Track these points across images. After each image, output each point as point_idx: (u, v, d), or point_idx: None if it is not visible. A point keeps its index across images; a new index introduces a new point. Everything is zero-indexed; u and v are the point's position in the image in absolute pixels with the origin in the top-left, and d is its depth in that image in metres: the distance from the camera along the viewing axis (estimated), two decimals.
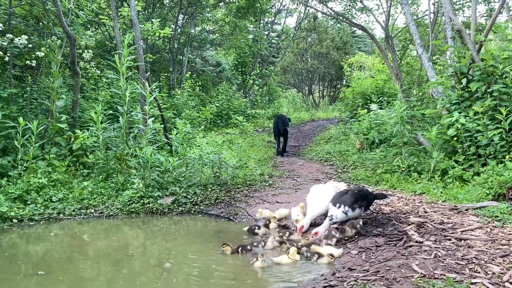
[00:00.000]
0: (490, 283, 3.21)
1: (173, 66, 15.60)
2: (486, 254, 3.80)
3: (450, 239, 4.27)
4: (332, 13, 14.34)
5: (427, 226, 4.75)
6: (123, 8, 10.96)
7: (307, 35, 25.44)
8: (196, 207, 6.60)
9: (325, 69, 25.01)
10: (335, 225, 4.87)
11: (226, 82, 18.15)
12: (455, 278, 3.28)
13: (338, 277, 3.61)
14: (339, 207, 4.81)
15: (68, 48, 8.58)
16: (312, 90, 27.06)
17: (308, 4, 16.79)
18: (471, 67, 6.82)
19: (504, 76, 6.56)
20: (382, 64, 15.79)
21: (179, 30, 15.99)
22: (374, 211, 5.62)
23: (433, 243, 4.18)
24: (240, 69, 20.23)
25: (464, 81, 6.93)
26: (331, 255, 4.21)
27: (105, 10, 13.11)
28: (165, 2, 16.36)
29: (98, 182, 7.10)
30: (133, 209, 6.47)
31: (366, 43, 29.00)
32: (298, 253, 4.40)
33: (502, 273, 3.37)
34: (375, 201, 5.71)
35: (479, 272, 3.42)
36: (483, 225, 4.61)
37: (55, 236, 5.61)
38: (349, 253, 4.30)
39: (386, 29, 12.13)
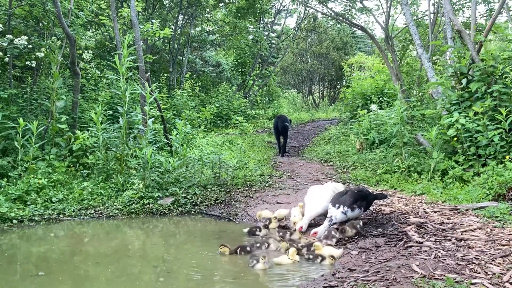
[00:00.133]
0: (490, 283, 3.21)
1: (173, 66, 15.60)
2: (486, 254, 3.80)
3: (450, 240, 4.27)
4: (332, 13, 14.34)
5: (427, 227, 4.75)
6: (123, 8, 10.96)
7: (307, 36, 25.44)
8: (196, 207, 6.60)
9: (325, 70, 25.00)
10: (335, 226, 4.87)
11: (226, 83, 18.15)
12: (455, 279, 3.28)
13: (338, 278, 3.61)
14: (339, 207, 4.81)
15: (68, 49, 8.58)
16: (312, 90, 27.06)
17: (308, 4, 16.79)
18: (471, 67, 6.82)
19: (504, 77, 6.56)
20: (382, 64, 15.80)
21: (179, 30, 16.00)
22: (374, 211, 5.62)
23: (433, 244, 4.18)
24: (240, 70, 20.23)
25: (464, 81, 6.93)
26: (332, 256, 4.21)
27: (105, 11, 13.11)
28: (165, 3, 16.36)
29: (98, 182, 7.09)
30: (133, 210, 6.47)
31: (366, 43, 28.99)
32: (297, 253, 4.40)
33: (502, 274, 3.37)
34: (375, 201, 5.71)
35: (479, 273, 3.42)
36: (483, 225, 4.61)
37: (55, 237, 5.60)
38: (349, 253, 4.30)
39: (386, 30, 12.14)
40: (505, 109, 5.98)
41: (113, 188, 6.94)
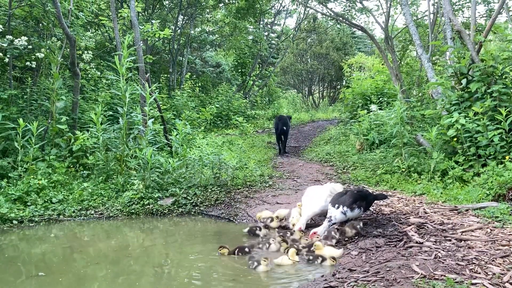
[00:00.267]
0: (490, 283, 3.21)
1: (173, 67, 15.61)
2: (486, 254, 3.80)
3: (450, 240, 4.27)
4: (332, 14, 14.34)
5: (427, 227, 4.75)
6: (123, 9, 10.96)
7: (306, 36, 25.44)
8: (196, 208, 6.60)
9: (325, 70, 25.00)
10: (335, 226, 4.87)
11: (226, 83, 18.15)
12: (455, 279, 3.28)
13: (338, 278, 3.61)
14: (338, 207, 4.81)
15: (68, 49, 8.58)
16: (312, 90, 27.05)
17: (307, 5, 16.79)
18: (471, 67, 6.82)
19: (504, 77, 6.57)
20: (382, 64, 15.80)
21: (179, 31, 16.00)
22: (374, 211, 5.62)
23: (433, 244, 4.18)
24: (240, 70, 20.24)
25: (464, 81, 6.93)
26: (333, 258, 4.21)
27: (105, 11, 13.11)
28: (164, 3, 16.36)
29: (98, 183, 7.09)
30: (133, 210, 6.47)
31: (366, 43, 28.99)
32: (297, 254, 4.40)
33: (502, 274, 3.38)
34: (375, 202, 5.71)
35: (479, 273, 3.42)
36: (483, 225, 4.61)
37: (55, 237, 5.61)
38: (349, 254, 4.30)
39: (385, 30, 12.14)
40: (505, 109, 5.98)
41: (113, 188, 6.94)
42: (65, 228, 6.00)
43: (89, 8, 10.36)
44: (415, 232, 4.61)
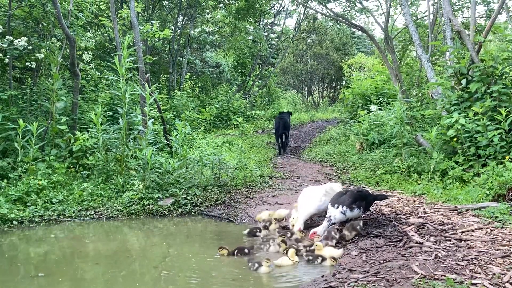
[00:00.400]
0: (490, 283, 3.21)
1: (172, 67, 15.61)
2: (486, 254, 3.80)
3: (450, 240, 4.27)
4: (332, 14, 14.35)
5: (427, 227, 4.75)
6: (122, 9, 10.97)
7: (306, 36, 25.45)
8: (196, 208, 6.60)
9: (324, 70, 25.01)
10: (335, 226, 4.87)
11: (226, 83, 18.16)
12: (455, 279, 3.28)
13: (339, 278, 3.61)
14: (338, 207, 4.81)
15: (68, 50, 8.58)
16: (312, 91, 27.06)
17: (307, 5, 16.79)
18: (471, 67, 6.82)
19: (503, 77, 6.57)
20: (382, 65, 15.80)
21: (178, 31, 16.00)
22: (374, 212, 5.62)
23: (433, 244, 4.18)
24: (239, 70, 20.24)
25: (463, 81, 6.93)
26: (333, 258, 4.21)
27: (104, 12, 13.11)
28: (164, 4, 16.37)
29: (98, 183, 7.09)
30: (133, 211, 6.47)
31: (366, 44, 29.01)
32: (297, 254, 4.40)
33: (502, 274, 3.37)
34: (375, 202, 5.71)
35: (480, 273, 3.42)
36: (483, 225, 4.61)
37: (55, 238, 5.60)
38: (349, 254, 4.30)
39: (385, 30, 12.14)
40: (505, 110, 5.98)
41: (113, 189, 6.94)
42: (65, 228, 6.00)
43: (89, 8, 10.36)
44: (415, 232, 4.61)
